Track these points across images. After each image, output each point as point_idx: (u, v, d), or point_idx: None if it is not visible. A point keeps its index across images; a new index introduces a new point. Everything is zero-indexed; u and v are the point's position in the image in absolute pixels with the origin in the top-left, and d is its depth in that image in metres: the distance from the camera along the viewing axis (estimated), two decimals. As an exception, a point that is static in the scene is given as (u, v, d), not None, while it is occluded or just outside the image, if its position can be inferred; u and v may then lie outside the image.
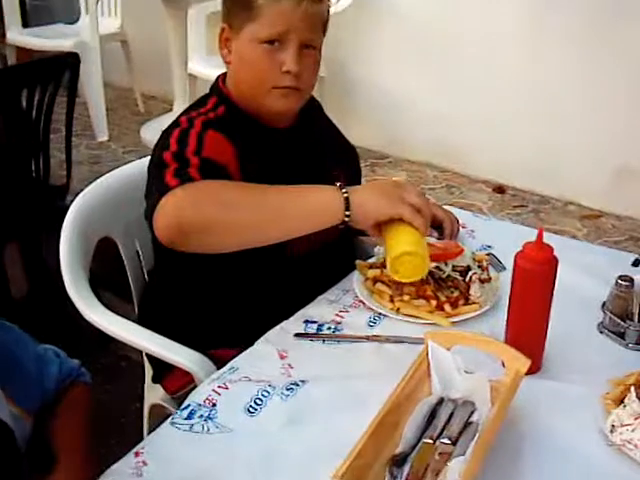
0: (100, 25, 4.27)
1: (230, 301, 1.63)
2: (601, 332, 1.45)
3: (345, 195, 1.34)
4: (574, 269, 1.59)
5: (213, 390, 1.29)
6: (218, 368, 1.41)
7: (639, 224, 3.48)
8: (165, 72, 4.31)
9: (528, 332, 1.31)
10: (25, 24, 4.79)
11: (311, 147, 1.68)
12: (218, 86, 1.64)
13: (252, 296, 1.61)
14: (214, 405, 1.26)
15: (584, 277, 1.59)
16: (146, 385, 1.88)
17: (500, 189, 3.79)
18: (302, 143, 1.66)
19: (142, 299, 1.81)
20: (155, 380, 1.78)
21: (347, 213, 1.33)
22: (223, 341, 1.59)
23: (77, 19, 4.65)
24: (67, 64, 2.63)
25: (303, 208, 1.38)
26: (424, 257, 1.34)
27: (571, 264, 1.59)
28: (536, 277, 1.26)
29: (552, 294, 1.29)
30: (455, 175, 3.94)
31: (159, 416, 1.80)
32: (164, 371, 1.71)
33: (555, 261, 1.27)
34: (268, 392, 1.28)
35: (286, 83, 1.53)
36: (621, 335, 1.42)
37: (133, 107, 4.82)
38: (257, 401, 1.26)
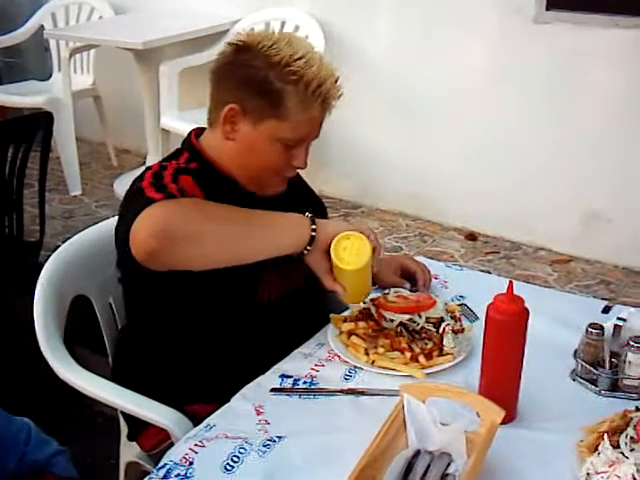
0: (73, 81, 4.28)
1: (203, 354, 1.63)
2: (574, 380, 1.47)
3: (310, 215, 1.49)
4: (546, 318, 1.61)
5: (190, 448, 1.28)
6: (195, 424, 1.41)
7: (608, 268, 3.53)
8: (138, 127, 4.34)
9: (501, 382, 1.33)
10: (-1, 81, 4.84)
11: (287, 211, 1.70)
12: (190, 142, 1.65)
13: (225, 347, 1.62)
14: (191, 464, 1.25)
15: (556, 326, 1.62)
16: (122, 442, 1.86)
17: (472, 236, 3.82)
18: (279, 209, 1.67)
19: (116, 355, 1.81)
20: (130, 437, 1.77)
21: (313, 227, 1.45)
22: (199, 396, 1.59)
23: (50, 76, 4.68)
24: (40, 123, 2.64)
25: (282, 220, 1.48)
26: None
27: (543, 313, 1.62)
28: (508, 329, 1.29)
29: (524, 344, 1.31)
30: (428, 223, 3.98)
31: (136, 473, 1.79)
32: (139, 428, 1.70)
33: (526, 312, 1.29)
34: (245, 449, 1.28)
35: (292, 174, 1.61)
36: (593, 382, 1.44)
37: (106, 161, 4.83)
38: (234, 458, 1.26)
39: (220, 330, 1.61)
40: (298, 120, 1.51)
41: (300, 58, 1.49)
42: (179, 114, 3.88)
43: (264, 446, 1.28)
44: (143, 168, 1.60)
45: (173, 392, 1.61)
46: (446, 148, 3.84)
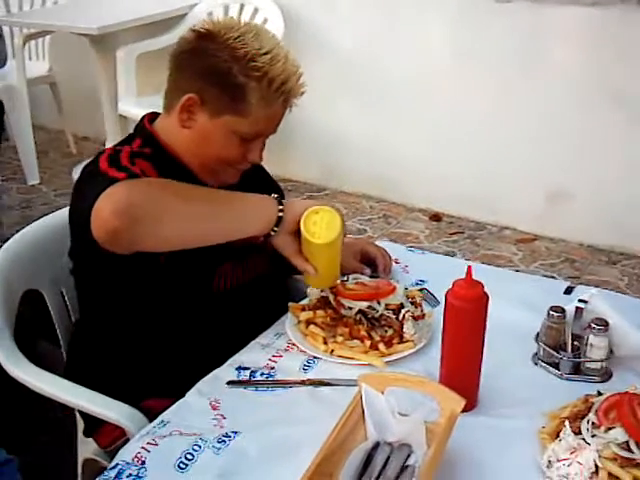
0: (28, 68, 4.19)
1: (158, 346, 1.58)
2: (536, 364, 1.45)
3: (276, 196, 1.46)
4: (507, 301, 1.59)
5: (142, 447, 1.24)
6: (151, 420, 1.36)
7: (573, 246, 3.53)
8: (96, 113, 4.26)
9: (462, 370, 1.30)
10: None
11: None
12: (143, 127, 1.60)
13: (181, 339, 1.57)
14: (143, 463, 1.21)
15: (517, 309, 1.59)
16: (79, 438, 1.81)
17: (436, 217, 3.81)
18: None
19: (69, 350, 1.75)
20: (87, 434, 1.72)
21: (280, 207, 1.42)
22: (155, 391, 1.54)
23: (4, 63, 4.54)
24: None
25: (248, 201, 1.44)
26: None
27: (504, 296, 1.59)
28: (467, 314, 1.26)
29: (484, 330, 1.28)
30: (392, 205, 3.96)
31: (93, 471, 1.74)
32: (95, 424, 1.64)
33: (485, 297, 1.26)
34: (199, 446, 1.24)
35: (245, 167, 1.56)
36: (555, 366, 1.41)
37: (65, 149, 4.74)
38: (188, 456, 1.22)
39: (176, 320, 1.56)
40: (259, 116, 1.47)
41: (266, 53, 1.44)
42: (137, 100, 3.80)
43: (219, 442, 1.25)
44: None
45: (129, 387, 1.56)
46: (411, 130, 3.82)
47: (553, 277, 3.28)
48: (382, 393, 1.24)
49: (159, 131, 1.57)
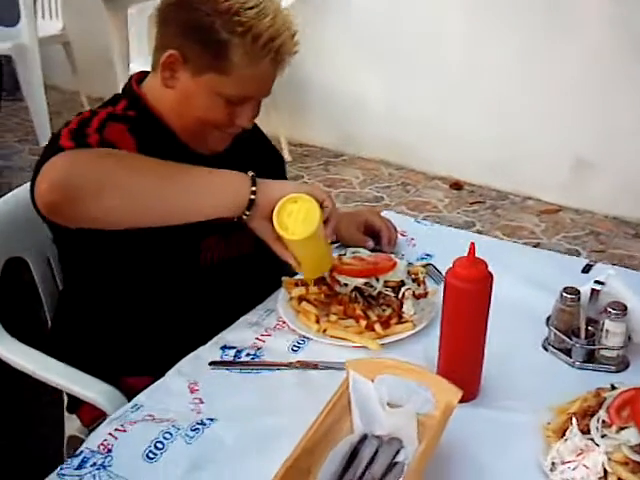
0: (41, 27, 4.09)
1: (142, 321, 1.49)
2: (546, 349, 1.33)
3: (252, 174, 1.29)
4: (518, 279, 1.49)
5: (109, 434, 1.14)
6: (131, 398, 1.27)
7: (598, 218, 3.38)
8: (110, 73, 4.14)
9: (462, 356, 1.18)
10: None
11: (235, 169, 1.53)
12: (131, 88, 1.48)
13: (165, 314, 1.48)
14: (109, 451, 1.11)
15: (529, 288, 1.47)
16: (65, 414, 1.73)
17: (457, 185, 3.67)
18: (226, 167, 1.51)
19: (54, 320, 1.67)
20: (70, 410, 1.64)
21: (253, 189, 1.26)
22: (137, 368, 1.46)
23: (16, 22, 4.45)
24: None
25: (211, 178, 1.29)
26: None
27: (516, 273, 1.49)
28: (468, 296, 1.14)
29: (487, 313, 1.16)
30: (411, 172, 3.83)
31: (77, 448, 1.66)
32: (78, 401, 1.56)
33: (489, 277, 1.14)
34: (171, 434, 1.13)
35: (234, 131, 1.44)
36: (567, 352, 1.29)
37: (79, 110, 4.62)
38: (158, 445, 1.12)
39: (160, 295, 1.47)
40: (243, 76, 1.35)
41: (252, 8, 1.31)
42: (149, 59, 3.66)
43: (192, 430, 1.14)
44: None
45: (111, 362, 1.49)
46: (431, 94, 3.68)
47: (577, 250, 3.14)
48: (372, 381, 1.13)
49: (146, 92, 1.46)
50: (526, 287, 1.47)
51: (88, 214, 1.20)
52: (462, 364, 1.18)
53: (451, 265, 1.16)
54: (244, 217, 1.28)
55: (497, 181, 3.62)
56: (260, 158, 1.62)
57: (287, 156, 3.95)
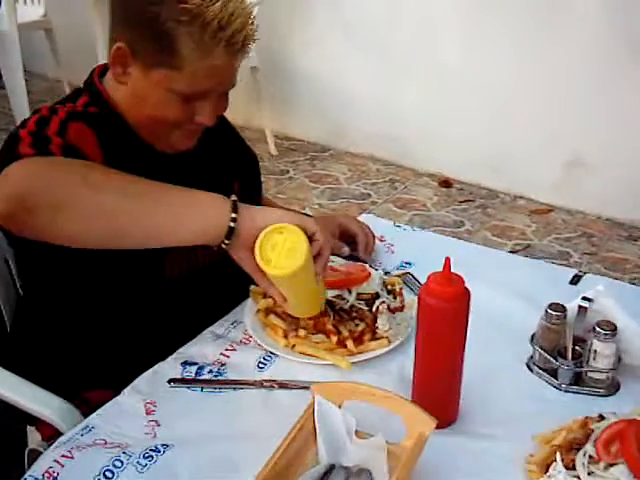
0: (22, 13, 3.97)
1: (104, 333, 1.39)
2: (530, 369, 1.24)
3: (233, 199, 1.14)
4: (501, 291, 1.40)
5: (55, 461, 1.05)
6: (89, 413, 1.18)
7: (591, 219, 3.30)
8: (94, 61, 4.02)
9: (438, 379, 1.09)
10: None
11: (203, 172, 1.42)
12: (92, 82, 1.38)
13: (128, 327, 1.38)
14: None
15: (513, 301, 1.39)
16: (28, 426, 1.64)
17: (446, 183, 3.59)
18: (194, 167, 1.40)
19: (13, 328, 1.57)
20: (30, 422, 1.54)
21: (233, 216, 1.11)
22: (100, 381, 1.37)
23: (-2, 6, 4.34)
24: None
25: (185, 201, 1.15)
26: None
27: (498, 284, 1.41)
28: (443, 315, 1.05)
29: (465, 333, 1.08)
30: (399, 168, 3.73)
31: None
32: (36, 414, 1.47)
33: (466, 295, 1.05)
34: (122, 462, 1.04)
35: (196, 129, 1.33)
36: (553, 374, 1.20)
37: (62, 99, 4.53)
38: (107, 474, 1.03)
39: (123, 307, 1.37)
40: (195, 70, 1.23)
41: None
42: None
43: (145, 457, 1.05)
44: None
45: (70, 375, 1.39)
46: (421, 90, 3.59)
47: (568, 252, 3.05)
48: (339, 407, 1.04)
49: (107, 87, 1.36)
50: (510, 300, 1.39)
51: (44, 231, 1.11)
52: (438, 387, 1.09)
53: (425, 281, 1.07)
54: (223, 246, 1.14)
55: (488, 179, 3.53)
56: (231, 156, 1.53)
57: (273, 150, 3.86)
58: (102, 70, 1.40)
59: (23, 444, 1.61)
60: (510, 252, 3.03)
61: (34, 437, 1.56)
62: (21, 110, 4.05)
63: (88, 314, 1.39)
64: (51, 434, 1.44)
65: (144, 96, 1.28)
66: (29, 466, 1.55)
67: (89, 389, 1.36)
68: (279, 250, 1.09)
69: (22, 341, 1.51)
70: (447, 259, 1.03)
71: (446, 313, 1.04)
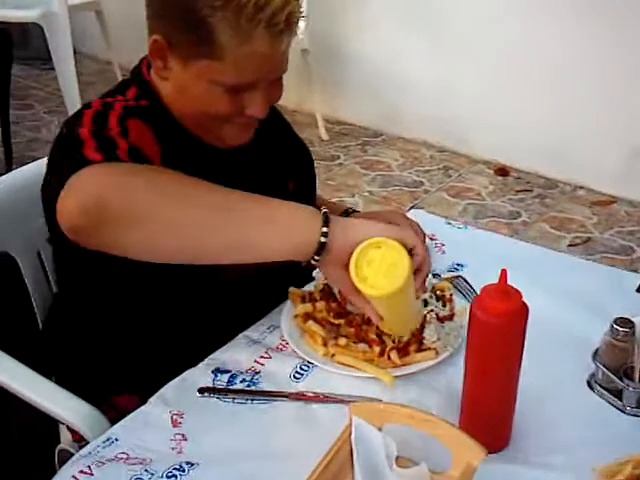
0: (72, -6, 3.93)
1: (140, 334, 1.32)
2: (592, 388, 1.13)
3: (324, 210, 1.04)
4: (562, 299, 1.29)
5: (74, 477, 0.98)
6: (119, 419, 1.11)
7: (657, 212, 3.14)
8: (145, 43, 3.98)
9: (489, 401, 0.99)
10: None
11: (256, 169, 1.34)
12: (141, 74, 1.29)
13: (167, 330, 1.31)
14: (71, 499, 0.95)
15: (575, 311, 1.27)
16: (60, 426, 1.59)
17: (503, 171, 3.45)
18: (248, 164, 1.32)
19: (45, 326, 1.51)
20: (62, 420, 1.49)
21: (324, 230, 1.01)
22: (129, 385, 1.31)
23: (50, -13, 4.31)
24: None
25: (272, 215, 1.04)
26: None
27: (558, 291, 1.30)
28: (498, 333, 0.94)
29: (521, 352, 0.97)
30: (454, 155, 3.61)
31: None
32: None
33: (524, 311, 0.94)
34: (142, 480, 0.97)
35: (247, 122, 1.23)
36: (618, 395, 1.09)
37: (113, 81, 4.47)
38: (126, 494, 0.95)
39: (168, 309, 1.30)
40: (237, 58, 1.13)
41: None
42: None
43: (168, 478, 0.98)
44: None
45: (101, 378, 1.34)
46: (478, 73, 3.46)
47: (631, 247, 2.90)
48: (379, 430, 0.95)
49: (154, 78, 1.27)
50: (570, 309, 1.27)
51: (118, 244, 1.02)
52: (489, 411, 0.99)
53: (477, 294, 0.97)
54: (313, 262, 1.04)
55: (546, 168, 3.38)
56: (286, 153, 1.43)
57: (323, 134, 3.76)
58: (150, 61, 1.32)
59: (56, 441, 1.57)
60: (569, 246, 2.90)
61: (65, 436, 1.52)
62: (71, 92, 4.02)
63: (128, 314, 1.32)
64: (79, 437, 1.39)
65: (187, 90, 1.19)
66: (59, 465, 1.51)
67: (118, 393, 1.30)
68: (377, 267, 0.99)
69: (54, 339, 1.46)
70: (503, 272, 0.92)
71: (501, 331, 0.93)
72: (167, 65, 1.19)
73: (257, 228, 1.03)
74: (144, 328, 1.32)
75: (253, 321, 1.30)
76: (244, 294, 1.30)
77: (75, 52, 4.01)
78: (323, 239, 1.01)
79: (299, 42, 3.29)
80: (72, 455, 1.46)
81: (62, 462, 1.48)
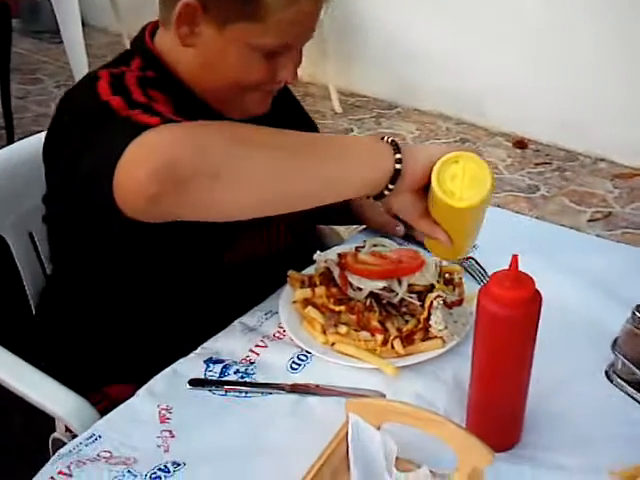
0: (80, -37, 3.84)
1: (141, 321, 1.27)
2: (610, 380, 1.05)
3: (391, 139, 1.02)
4: (579, 282, 1.21)
5: (52, 478, 0.92)
6: (111, 409, 1.05)
7: (681, 184, 3.03)
8: (155, 16, 3.90)
9: (499, 397, 0.92)
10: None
11: None
12: (144, 43, 1.20)
13: (172, 316, 1.25)
14: (46, 504, 0.89)
15: (593, 295, 1.19)
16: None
17: (521, 143, 3.36)
18: None
19: (38, 308, 1.45)
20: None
21: (398, 157, 0.99)
22: (123, 374, 1.24)
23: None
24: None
25: (345, 150, 1.03)
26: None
27: (575, 274, 1.22)
28: (508, 325, 0.86)
29: (533, 345, 0.89)
30: (470, 127, 3.52)
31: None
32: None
33: (537, 301, 0.86)
34: (124, 483, 0.90)
35: (274, 89, 1.19)
36: (638, 387, 1.01)
37: (123, 54, 4.43)
38: (107, 497, 0.89)
39: (170, 293, 1.24)
40: (281, 20, 1.07)
41: None
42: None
43: (152, 477, 0.91)
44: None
45: (95, 366, 1.28)
46: (495, 43, 3.36)
47: (654, 222, 2.81)
48: (378, 428, 0.87)
49: (160, 49, 1.19)
50: (589, 293, 1.19)
51: (201, 206, 0.94)
52: (498, 407, 0.91)
53: (485, 281, 0.89)
54: (386, 192, 1.01)
55: (566, 140, 3.28)
56: (293, 124, 1.36)
57: (337, 107, 3.67)
58: (153, 29, 1.23)
59: (51, 429, 1.52)
60: (589, 221, 2.80)
61: (59, 425, 1.47)
62: (80, 65, 3.95)
63: (122, 298, 1.26)
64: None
65: (220, 57, 1.12)
66: (53, 453, 1.46)
67: (111, 382, 1.24)
68: (460, 179, 0.97)
69: (46, 324, 1.40)
70: (514, 257, 0.84)
71: (511, 323, 0.85)
72: (194, 31, 1.10)
73: (335, 166, 1.00)
74: (141, 313, 1.26)
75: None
76: (251, 279, 1.24)
77: (84, 25, 3.94)
78: (398, 166, 0.99)
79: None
80: (64, 444, 1.42)
81: (55, 451, 1.44)
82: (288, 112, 1.36)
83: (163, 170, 0.88)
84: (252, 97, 1.17)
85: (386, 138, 1.02)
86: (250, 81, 1.14)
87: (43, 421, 1.54)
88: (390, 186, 1.00)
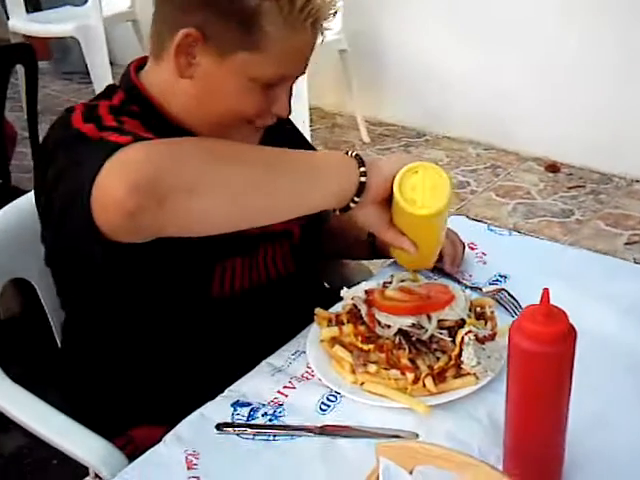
0: (108, 5, 3.92)
1: (154, 363, 1.25)
2: (655, 415, 1.00)
3: (355, 153, 1.08)
4: (616, 310, 1.18)
5: (76, 528, 0.90)
6: (140, 453, 1.03)
7: None
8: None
9: (536, 438, 0.88)
10: (38, 7, 4.53)
11: None
12: (129, 79, 1.21)
13: (179, 354, 1.23)
14: None
15: (629, 323, 1.15)
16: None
17: (553, 167, 3.31)
18: None
19: (60, 352, 1.44)
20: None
21: (362, 170, 1.05)
22: (148, 416, 1.22)
23: (85, 1, 4.30)
24: (15, 57, 2.23)
25: (318, 163, 1.08)
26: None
27: (612, 301, 1.19)
28: (542, 362, 0.83)
29: (570, 380, 0.86)
30: (502, 153, 3.48)
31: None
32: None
33: (571, 334, 0.83)
34: (150, 535, 0.88)
35: (268, 123, 1.19)
36: (683, 421, 0.97)
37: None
38: None
39: (169, 332, 1.22)
40: (280, 50, 1.09)
41: None
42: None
43: (178, 529, 0.89)
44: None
45: (116, 407, 1.27)
46: (524, 67, 3.33)
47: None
48: (410, 473, 0.84)
49: (147, 84, 1.19)
50: (626, 321, 1.15)
51: (178, 219, 0.94)
52: (536, 446, 0.87)
53: (516, 317, 0.86)
54: (352, 205, 1.06)
55: (600, 162, 3.24)
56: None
57: (365, 137, 3.66)
58: (138, 66, 1.23)
59: (84, 473, 1.51)
60: (626, 244, 2.74)
61: (91, 470, 1.45)
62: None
63: (133, 338, 1.25)
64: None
65: (218, 88, 1.12)
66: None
67: (136, 425, 1.22)
68: (420, 189, 1.04)
69: (69, 360, 1.40)
70: (545, 291, 0.81)
71: (545, 360, 0.82)
72: (193, 62, 1.11)
73: (306, 180, 1.05)
74: (154, 350, 1.24)
75: (270, 341, 1.20)
76: (255, 309, 1.24)
77: (113, 64, 3.99)
78: (363, 179, 1.05)
79: (338, 42, 3.21)
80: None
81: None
82: (287, 141, 1.35)
83: (140, 185, 0.89)
84: (242, 131, 1.17)
85: (350, 152, 1.07)
86: (246, 113, 1.15)
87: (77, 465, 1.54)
88: (356, 199, 1.05)
